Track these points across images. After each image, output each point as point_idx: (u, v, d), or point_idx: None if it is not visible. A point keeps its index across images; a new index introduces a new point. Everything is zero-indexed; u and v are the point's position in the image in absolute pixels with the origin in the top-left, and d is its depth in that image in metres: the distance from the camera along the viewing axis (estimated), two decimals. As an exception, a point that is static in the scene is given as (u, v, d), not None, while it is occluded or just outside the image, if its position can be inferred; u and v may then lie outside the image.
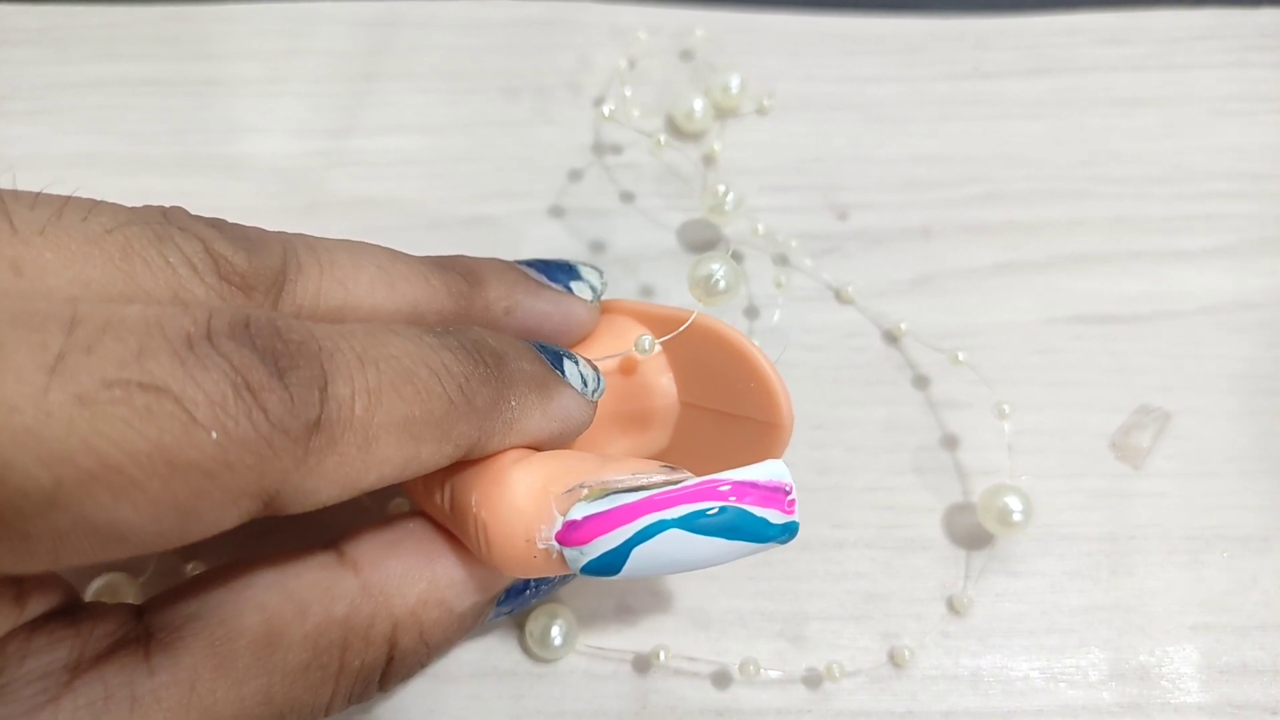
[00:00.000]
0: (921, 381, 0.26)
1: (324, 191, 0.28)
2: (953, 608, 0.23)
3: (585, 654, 0.22)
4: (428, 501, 0.18)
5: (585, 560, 0.16)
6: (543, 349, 0.19)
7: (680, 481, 0.16)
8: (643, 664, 0.22)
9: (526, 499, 0.16)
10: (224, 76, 0.30)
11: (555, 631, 0.22)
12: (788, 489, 0.16)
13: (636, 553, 0.16)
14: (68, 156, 0.28)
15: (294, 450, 0.13)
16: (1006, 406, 0.24)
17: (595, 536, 0.16)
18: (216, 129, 0.29)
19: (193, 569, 0.22)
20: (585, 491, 0.16)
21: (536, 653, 0.22)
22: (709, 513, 0.16)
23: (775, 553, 0.23)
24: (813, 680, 0.22)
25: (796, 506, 0.16)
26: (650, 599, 0.23)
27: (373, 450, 0.14)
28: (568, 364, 0.19)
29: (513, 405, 0.17)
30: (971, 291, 0.27)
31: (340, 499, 0.15)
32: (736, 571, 0.23)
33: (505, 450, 0.17)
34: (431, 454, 0.16)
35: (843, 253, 0.27)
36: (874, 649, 0.23)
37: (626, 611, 0.23)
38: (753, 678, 0.22)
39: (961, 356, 0.25)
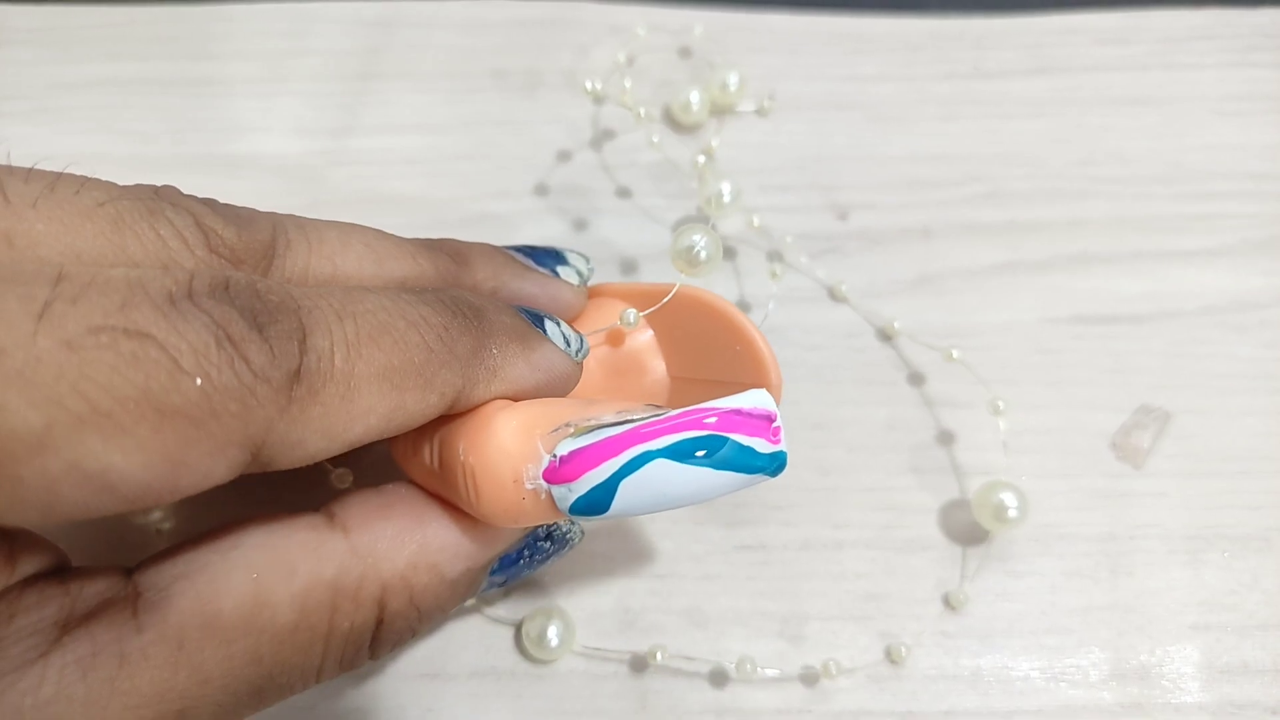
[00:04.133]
0: (918, 379, 0.26)
1: (324, 191, 0.28)
2: (949, 604, 0.23)
3: (584, 654, 0.22)
4: (416, 464, 0.18)
5: (574, 498, 0.16)
6: (522, 310, 0.19)
7: (664, 413, 0.16)
8: (640, 664, 0.22)
9: (512, 440, 0.16)
10: (224, 76, 0.30)
11: (552, 633, 0.22)
12: (773, 417, 0.16)
13: (624, 485, 0.16)
14: (68, 156, 0.28)
15: (277, 399, 0.13)
16: (1001, 403, 0.24)
17: (583, 472, 0.16)
18: (216, 129, 0.29)
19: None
20: (571, 429, 0.16)
21: (533, 654, 0.22)
22: (695, 440, 0.16)
23: (775, 553, 0.23)
24: (810, 678, 0.22)
25: (783, 436, 0.16)
26: (649, 599, 0.23)
27: (356, 400, 0.15)
28: (549, 324, 0.19)
29: (494, 353, 0.17)
30: (972, 291, 0.27)
31: (330, 452, 0.15)
32: (735, 571, 0.23)
33: (491, 400, 0.17)
34: (417, 402, 0.16)
35: (843, 253, 0.27)
36: (874, 648, 0.23)
37: (625, 611, 0.23)
38: (749, 676, 0.22)
39: (956, 354, 0.25)
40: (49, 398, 0.12)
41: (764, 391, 0.16)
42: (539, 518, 0.17)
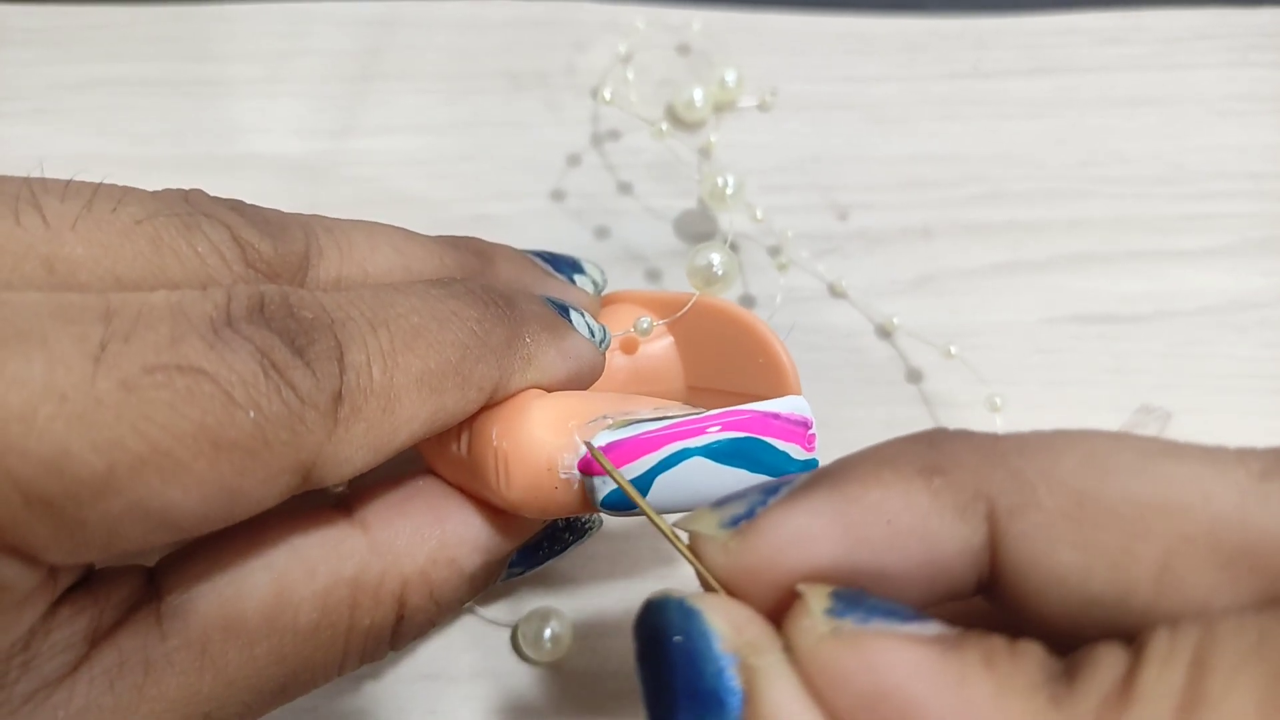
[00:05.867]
0: (916, 377, 0.26)
1: (324, 192, 0.28)
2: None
3: (585, 654, 0.22)
4: (442, 455, 0.18)
5: (607, 490, 0.16)
6: (548, 300, 0.19)
7: (702, 412, 0.16)
8: (643, 664, 0.22)
9: (548, 428, 0.16)
10: (224, 77, 0.30)
11: (547, 634, 0.22)
12: (809, 424, 0.16)
13: (660, 481, 0.16)
14: (68, 157, 0.28)
15: (324, 423, 0.14)
16: (998, 399, 0.24)
17: (619, 465, 0.16)
18: (216, 130, 0.29)
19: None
20: (609, 422, 0.16)
21: (528, 655, 0.22)
22: (734, 441, 0.16)
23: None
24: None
25: (817, 443, 0.16)
26: (650, 599, 0.23)
27: (398, 410, 0.15)
28: (574, 315, 0.19)
29: (528, 342, 0.17)
30: (972, 292, 0.27)
31: (375, 463, 0.15)
32: (737, 571, 0.23)
33: (526, 389, 0.17)
34: (456, 401, 0.16)
35: (843, 253, 0.27)
36: (874, 649, 0.23)
37: (628, 612, 0.23)
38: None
39: (953, 350, 0.25)
40: (110, 440, 0.12)
41: (800, 398, 0.17)
42: (568, 509, 0.17)
